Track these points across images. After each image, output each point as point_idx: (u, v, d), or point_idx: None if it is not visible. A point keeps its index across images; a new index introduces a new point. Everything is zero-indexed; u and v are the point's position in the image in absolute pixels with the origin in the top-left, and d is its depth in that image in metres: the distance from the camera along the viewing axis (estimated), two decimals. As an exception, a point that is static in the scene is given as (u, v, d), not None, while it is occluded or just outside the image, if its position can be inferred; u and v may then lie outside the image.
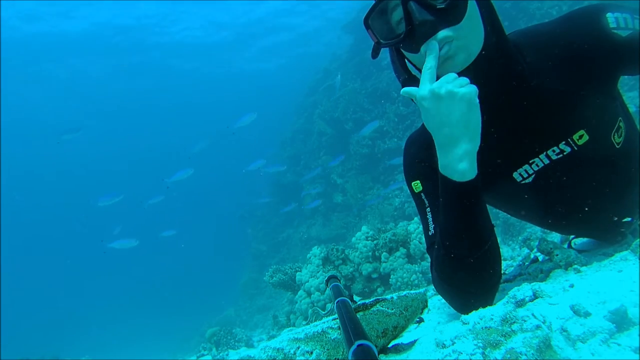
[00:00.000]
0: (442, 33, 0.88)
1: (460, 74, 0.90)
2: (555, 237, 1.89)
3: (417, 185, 1.14)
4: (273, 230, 11.90)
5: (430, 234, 1.07)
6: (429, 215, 1.09)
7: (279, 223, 11.84)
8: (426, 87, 0.87)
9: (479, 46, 0.93)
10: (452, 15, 0.88)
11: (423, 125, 1.22)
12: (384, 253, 3.31)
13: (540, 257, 1.33)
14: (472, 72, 0.92)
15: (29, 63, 17.09)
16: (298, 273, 3.64)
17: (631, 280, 0.69)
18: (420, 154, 1.17)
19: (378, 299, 0.84)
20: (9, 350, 13.75)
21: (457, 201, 0.90)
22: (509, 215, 5.56)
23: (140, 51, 18.77)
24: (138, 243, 8.38)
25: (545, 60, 1.02)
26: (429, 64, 0.88)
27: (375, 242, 3.40)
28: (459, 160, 0.87)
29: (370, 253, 3.38)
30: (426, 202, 1.11)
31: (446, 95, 0.84)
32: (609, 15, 0.97)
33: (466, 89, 0.83)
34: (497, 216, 5.86)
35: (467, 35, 0.90)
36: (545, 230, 1.66)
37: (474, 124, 0.85)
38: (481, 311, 0.70)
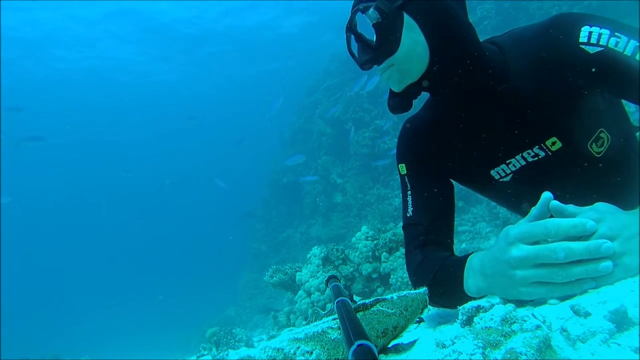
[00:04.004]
0: (382, 65, 1.00)
1: (416, 84, 1.00)
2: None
3: (402, 168, 1.22)
4: (273, 230, 11.90)
5: (408, 215, 1.16)
6: (410, 198, 1.17)
7: (279, 223, 11.84)
8: (513, 232, 0.76)
9: (420, 64, 0.98)
10: (386, 48, 0.97)
11: (422, 108, 1.27)
12: (384, 253, 3.31)
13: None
14: (430, 83, 1.01)
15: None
16: (298, 273, 3.63)
17: (631, 280, 0.69)
18: (412, 140, 1.23)
19: (378, 299, 0.84)
20: (9, 350, 13.74)
21: (454, 294, 0.92)
22: (508, 215, 5.56)
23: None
24: (305, 157, 8.62)
25: (524, 65, 1.03)
26: (531, 213, 0.78)
27: (375, 242, 3.40)
28: (477, 290, 0.87)
29: (370, 253, 3.38)
30: (409, 185, 1.19)
31: (505, 266, 0.76)
32: (584, 28, 0.93)
33: (522, 275, 0.73)
34: (498, 216, 5.86)
35: (402, 61, 0.98)
36: None
37: (517, 297, 0.79)
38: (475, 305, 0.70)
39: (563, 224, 0.70)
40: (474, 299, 0.89)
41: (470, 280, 0.88)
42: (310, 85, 13.51)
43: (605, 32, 0.91)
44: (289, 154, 12.12)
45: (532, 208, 0.78)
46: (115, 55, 18.07)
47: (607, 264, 0.68)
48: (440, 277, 0.97)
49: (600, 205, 0.76)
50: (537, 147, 1.06)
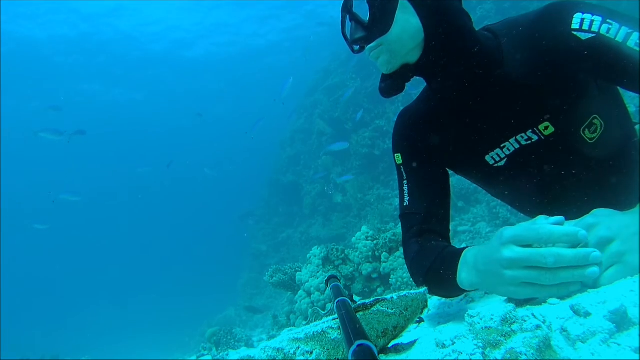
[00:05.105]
0: (372, 44, 1.00)
1: (410, 66, 1.01)
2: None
3: (398, 158, 1.24)
4: (273, 230, 11.90)
5: (405, 204, 1.18)
6: (406, 188, 1.19)
7: (279, 223, 11.84)
8: (506, 233, 0.78)
9: (411, 46, 0.99)
10: (378, 28, 0.98)
11: (417, 99, 1.28)
12: (384, 253, 3.31)
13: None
14: (424, 67, 1.02)
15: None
16: (298, 273, 3.64)
17: (631, 280, 0.69)
18: (407, 130, 1.25)
19: (378, 299, 0.84)
20: (9, 350, 13.75)
21: (449, 285, 0.96)
22: (509, 215, 5.54)
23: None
24: (348, 145, 8.69)
25: (517, 51, 1.04)
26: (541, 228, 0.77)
27: (375, 242, 3.40)
28: (469, 284, 0.90)
29: (370, 253, 3.38)
30: (405, 175, 1.21)
31: (496, 265, 0.79)
32: (576, 15, 0.95)
33: (511, 275, 0.76)
34: (498, 216, 5.86)
35: (393, 42, 0.98)
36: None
37: (505, 294, 0.82)
38: (481, 311, 0.70)
39: (555, 232, 0.73)
40: (467, 291, 0.94)
41: (464, 274, 0.90)
42: (310, 85, 13.50)
43: (598, 19, 0.93)
44: (289, 154, 12.13)
45: (538, 217, 0.80)
46: (115, 36, 18.03)
47: (594, 269, 0.70)
48: (436, 268, 0.99)
49: (598, 211, 0.78)
50: (530, 130, 1.08)
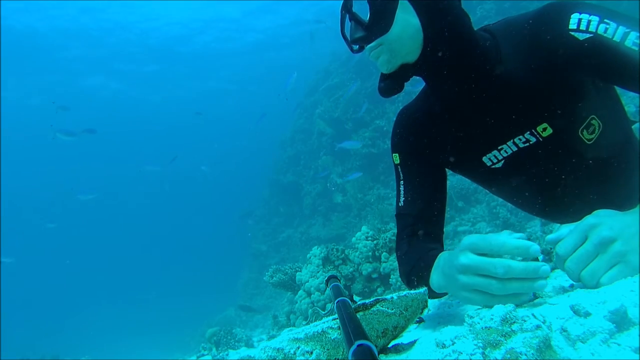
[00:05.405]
0: (372, 44, 1.00)
1: (409, 66, 1.01)
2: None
3: (396, 158, 1.24)
4: (273, 230, 11.90)
5: (400, 204, 1.19)
6: (402, 188, 1.20)
7: (279, 223, 11.84)
8: (468, 238, 0.82)
9: (411, 46, 0.99)
10: (379, 27, 0.98)
11: (417, 98, 1.28)
12: (384, 253, 3.31)
13: (540, 257, 1.33)
14: (423, 66, 1.02)
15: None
16: (298, 273, 3.64)
17: (631, 280, 0.69)
18: (406, 130, 1.25)
19: (378, 299, 0.84)
20: (9, 350, 13.75)
21: (427, 285, 0.97)
22: (509, 215, 5.55)
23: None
24: (361, 143, 8.68)
25: (516, 52, 1.04)
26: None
27: (375, 242, 3.40)
28: (438, 286, 0.92)
29: (370, 253, 3.38)
30: (401, 174, 1.22)
31: (454, 269, 0.81)
32: (574, 15, 0.95)
33: (464, 281, 0.78)
34: (497, 216, 5.87)
35: (393, 41, 0.98)
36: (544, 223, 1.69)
37: (459, 299, 0.86)
38: (481, 311, 0.70)
39: (507, 244, 0.75)
40: (441, 295, 0.97)
41: (434, 277, 0.93)
42: (310, 85, 13.50)
43: (595, 18, 0.93)
44: (289, 154, 12.13)
45: (503, 232, 0.82)
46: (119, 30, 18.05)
47: (541, 282, 0.73)
48: (417, 270, 1.01)
49: (600, 211, 0.79)
50: (528, 132, 1.08)
